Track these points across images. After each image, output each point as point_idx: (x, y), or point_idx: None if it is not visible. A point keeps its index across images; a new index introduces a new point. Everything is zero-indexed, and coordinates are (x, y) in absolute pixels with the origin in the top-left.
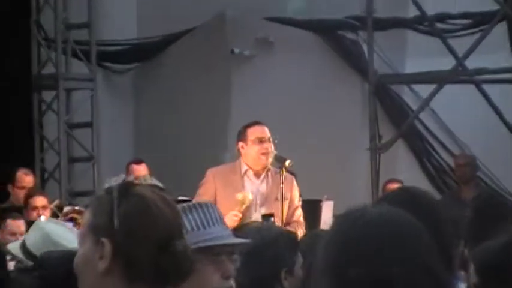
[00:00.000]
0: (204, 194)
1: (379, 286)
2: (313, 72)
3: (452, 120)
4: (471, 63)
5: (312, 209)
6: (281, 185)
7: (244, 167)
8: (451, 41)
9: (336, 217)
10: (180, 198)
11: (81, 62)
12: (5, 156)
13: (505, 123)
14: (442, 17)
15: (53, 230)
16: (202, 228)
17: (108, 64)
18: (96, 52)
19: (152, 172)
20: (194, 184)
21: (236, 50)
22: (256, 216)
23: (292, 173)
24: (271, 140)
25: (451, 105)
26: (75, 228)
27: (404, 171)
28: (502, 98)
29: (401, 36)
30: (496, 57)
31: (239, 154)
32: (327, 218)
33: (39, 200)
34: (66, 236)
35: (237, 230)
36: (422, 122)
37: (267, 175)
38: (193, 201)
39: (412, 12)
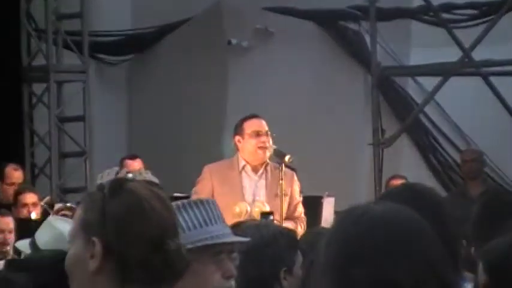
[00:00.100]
0: (200, 191)
1: (382, 287)
2: (314, 64)
3: (459, 114)
4: (478, 55)
5: (312, 205)
6: (280, 181)
7: (242, 163)
8: (457, 32)
9: (338, 214)
10: (176, 194)
11: (73, 54)
12: None
13: None
14: (448, 7)
15: (66, 229)
16: (205, 225)
17: (101, 56)
18: (89, 43)
19: (148, 167)
20: (190, 179)
21: (233, 41)
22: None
23: (292, 169)
24: (269, 133)
25: (457, 98)
26: None
27: (409, 167)
28: (510, 90)
29: (405, 27)
30: (503, 49)
31: (236, 149)
32: (328, 215)
33: (29, 197)
34: None
35: (235, 228)
36: (427, 116)
37: (266, 170)
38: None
39: (417, 1)
